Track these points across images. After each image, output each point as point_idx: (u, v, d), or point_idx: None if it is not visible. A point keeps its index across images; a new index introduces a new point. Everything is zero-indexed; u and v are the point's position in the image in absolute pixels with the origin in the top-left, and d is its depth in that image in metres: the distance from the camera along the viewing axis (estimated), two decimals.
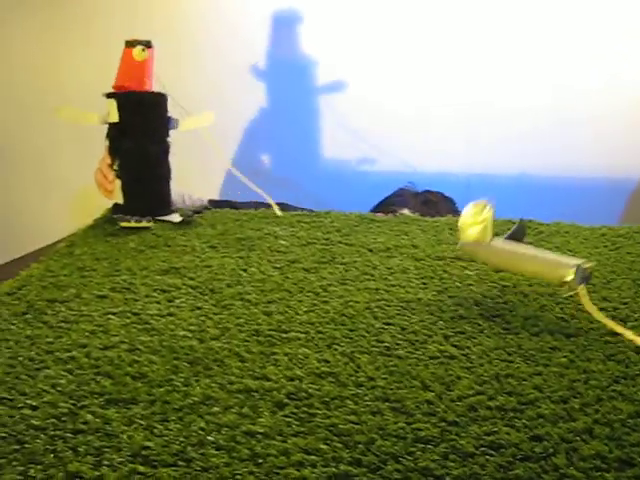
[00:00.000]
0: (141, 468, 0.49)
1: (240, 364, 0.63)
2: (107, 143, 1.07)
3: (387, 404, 0.57)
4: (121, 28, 1.93)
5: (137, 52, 1.05)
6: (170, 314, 0.74)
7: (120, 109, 1.03)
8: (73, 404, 0.57)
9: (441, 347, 0.67)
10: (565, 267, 0.69)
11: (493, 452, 0.51)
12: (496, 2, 1.92)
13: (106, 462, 0.50)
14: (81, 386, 0.60)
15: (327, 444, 0.52)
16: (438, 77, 1.98)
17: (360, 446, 0.52)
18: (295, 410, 0.56)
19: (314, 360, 0.64)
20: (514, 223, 0.82)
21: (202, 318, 0.73)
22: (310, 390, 0.59)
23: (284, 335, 0.69)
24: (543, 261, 0.72)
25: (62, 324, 0.72)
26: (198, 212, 1.09)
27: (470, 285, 0.82)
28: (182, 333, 0.69)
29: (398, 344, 0.67)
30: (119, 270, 0.87)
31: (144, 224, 1.02)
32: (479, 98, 1.96)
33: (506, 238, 0.77)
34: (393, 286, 0.82)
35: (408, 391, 0.59)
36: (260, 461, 0.50)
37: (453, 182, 1.83)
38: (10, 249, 1.71)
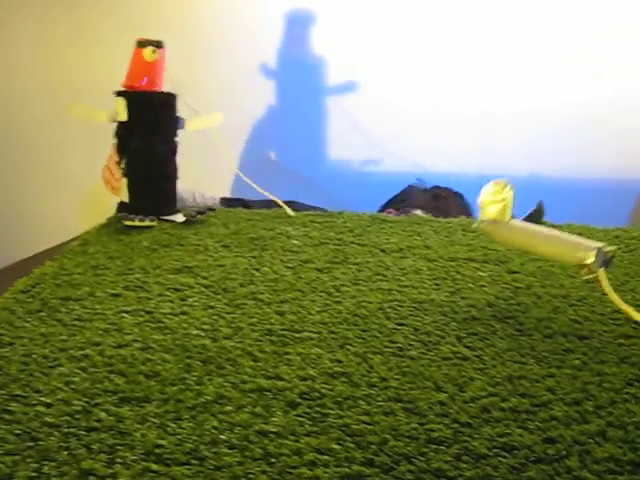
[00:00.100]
0: (154, 466, 0.49)
1: (253, 363, 0.63)
2: (115, 141, 1.07)
3: (400, 405, 0.57)
4: (133, 27, 1.93)
5: (148, 53, 1.05)
6: (183, 313, 0.74)
7: (129, 108, 1.04)
8: (87, 402, 0.57)
9: (454, 348, 0.66)
10: (585, 249, 0.68)
11: (506, 454, 0.51)
12: (508, 4, 1.92)
13: (119, 460, 0.50)
14: (95, 384, 0.60)
15: (340, 444, 0.52)
16: (448, 78, 1.97)
17: (373, 446, 0.52)
18: (308, 410, 0.56)
19: (327, 360, 0.64)
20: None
21: (215, 317, 0.73)
22: (323, 390, 0.59)
23: (297, 335, 0.69)
24: (563, 242, 0.71)
25: (76, 322, 0.72)
26: (202, 212, 1.09)
27: (483, 286, 0.82)
28: (195, 332, 0.69)
29: (411, 345, 0.67)
30: (132, 269, 0.87)
31: (147, 223, 1.03)
32: (489, 99, 1.96)
33: (524, 219, 0.77)
34: (406, 287, 0.81)
35: (421, 392, 0.59)
36: (273, 460, 0.50)
37: (463, 183, 1.83)
38: (23, 247, 1.72)
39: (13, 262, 1.67)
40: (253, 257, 0.91)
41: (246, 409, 0.56)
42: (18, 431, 0.53)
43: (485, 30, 1.93)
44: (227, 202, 1.26)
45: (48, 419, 0.55)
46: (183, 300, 0.78)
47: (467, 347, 0.67)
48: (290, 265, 0.88)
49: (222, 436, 0.53)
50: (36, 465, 0.50)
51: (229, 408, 0.56)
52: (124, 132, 1.06)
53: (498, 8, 1.92)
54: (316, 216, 1.09)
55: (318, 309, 0.75)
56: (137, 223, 1.02)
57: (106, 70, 1.88)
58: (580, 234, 1.03)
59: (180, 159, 1.09)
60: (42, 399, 0.58)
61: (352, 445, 0.52)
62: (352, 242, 0.97)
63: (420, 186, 1.79)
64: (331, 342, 0.68)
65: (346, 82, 2.04)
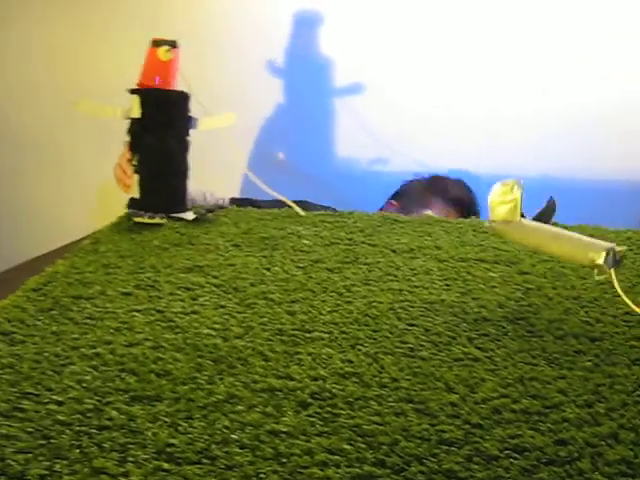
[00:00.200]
0: (166, 465, 0.50)
1: (264, 363, 0.63)
2: (128, 139, 1.07)
3: (411, 405, 0.57)
4: (143, 25, 1.94)
5: (162, 52, 1.05)
6: (194, 312, 0.74)
7: (143, 105, 1.04)
8: (98, 400, 0.57)
9: (465, 349, 0.66)
10: (596, 249, 0.68)
11: (517, 455, 0.51)
12: (516, 5, 1.91)
13: (131, 458, 0.50)
14: (106, 382, 0.60)
15: (351, 444, 0.52)
16: (455, 79, 1.97)
17: (384, 447, 0.52)
18: (319, 410, 0.56)
19: (338, 360, 0.64)
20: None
21: (226, 316, 0.73)
22: (334, 390, 0.59)
23: (308, 335, 0.69)
24: (574, 242, 0.71)
25: (87, 321, 0.72)
26: (211, 210, 1.09)
27: (494, 287, 0.82)
28: (206, 331, 0.70)
29: (422, 345, 0.67)
30: (143, 268, 0.87)
31: (157, 220, 1.03)
32: (496, 100, 1.95)
33: (535, 217, 0.76)
34: (416, 287, 0.81)
35: (432, 393, 0.59)
36: (284, 460, 0.50)
37: (471, 183, 1.84)
38: (34, 246, 1.73)
39: (24, 260, 1.68)
40: (264, 257, 0.91)
41: (257, 409, 0.56)
42: (30, 429, 0.54)
43: (492, 31, 1.93)
44: (236, 202, 1.26)
45: (60, 417, 0.55)
46: (194, 299, 0.78)
47: (478, 348, 0.67)
48: (301, 265, 0.88)
49: (233, 435, 0.53)
50: (48, 463, 0.50)
51: (240, 407, 0.56)
52: (137, 129, 1.06)
53: (506, 9, 1.92)
54: (327, 216, 1.09)
55: (329, 309, 0.75)
56: (146, 220, 1.02)
57: (113, 68, 1.89)
58: (592, 235, 1.03)
59: (190, 159, 1.09)
60: (54, 397, 0.58)
61: (363, 445, 0.52)
62: (363, 242, 0.97)
63: (418, 178, 1.82)
64: (342, 342, 0.68)
65: (354, 82, 2.04)
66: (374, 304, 0.76)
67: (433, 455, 0.51)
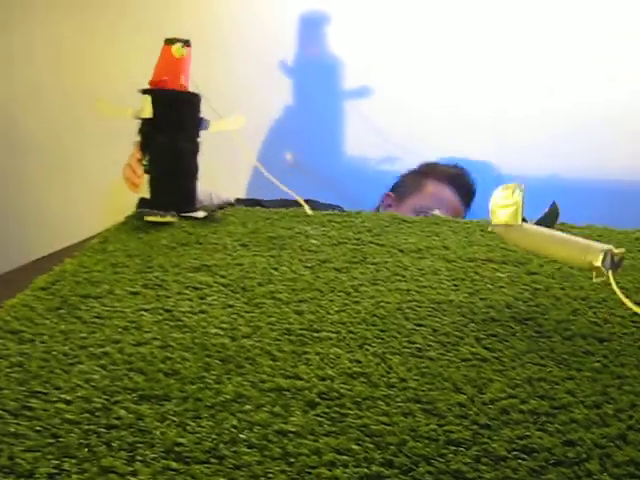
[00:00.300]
0: (174, 464, 0.50)
1: (272, 363, 0.63)
2: (138, 138, 1.08)
3: (419, 405, 0.57)
4: (149, 28, 1.94)
5: (176, 48, 1.06)
6: (202, 311, 0.74)
7: (155, 105, 1.04)
8: (106, 399, 0.57)
9: (473, 349, 0.66)
10: (594, 252, 0.68)
11: (525, 456, 0.51)
12: (523, 6, 1.91)
13: (139, 457, 0.50)
14: (114, 381, 0.60)
15: (359, 444, 0.52)
16: (463, 79, 1.97)
17: (392, 447, 0.51)
18: (327, 410, 0.56)
19: (346, 360, 0.64)
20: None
21: (234, 316, 0.73)
22: (342, 390, 0.59)
23: (315, 334, 0.69)
24: (573, 245, 0.71)
25: (95, 320, 0.72)
26: (221, 208, 1.09)
27: (502, 287, 0.82)
28: (214, 331, 0.70)
29: (430, 345, 0.67)
30: (151, 267, 0.87)
31: (168, 219, 1.03)
32: (504, 100, 1.95)
33: (537, 221, 0.77)
34: (424, 287, 0.81)
35: (440, 393, 0.59)
36: (292, 460, 0.50)
37: (480, 183, 1.84)
38: (43, 245, 1.73)
39: (33, 259, 1.68)
40: (272, 256, 0.91)
41: (265, 408, 0.56)
42: (39, 428, 0.54)
43: (500, 32, 1.92)
44: (242, 203, 1.26)
45: (68, 416, 0.55)
46: (202, 299, 0.78)
47: (486, 348, 0.67)
48: (309, 264, 0.88)
49: (241, 435, 0.53)
50: (56, 462, 0.50)
51: (248, 407, 0.56)
52: (148, 129, 1.06)
53: (513, 10, 1.91)
54: (335, 215, 1.09)
55: (337, 309, 0.75)
56: (158, 218, 1.03)
57: (119, 71, 1.89)
58: (601, 236, 1.04)
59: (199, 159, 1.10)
60: (62, 396, 0.58)
61: (371, 445, 0.52)
62: (371, 242, 0.97)
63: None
64: (350, 342, 0.68)
65: (363, 83, 2.04)
66: (382, 304, 0.76)
67: (441, 455, 0.51)
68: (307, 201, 1.13)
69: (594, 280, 0.68)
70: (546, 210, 0.78)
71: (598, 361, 0.64)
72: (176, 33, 1.10)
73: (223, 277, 0.84)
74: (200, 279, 0.83)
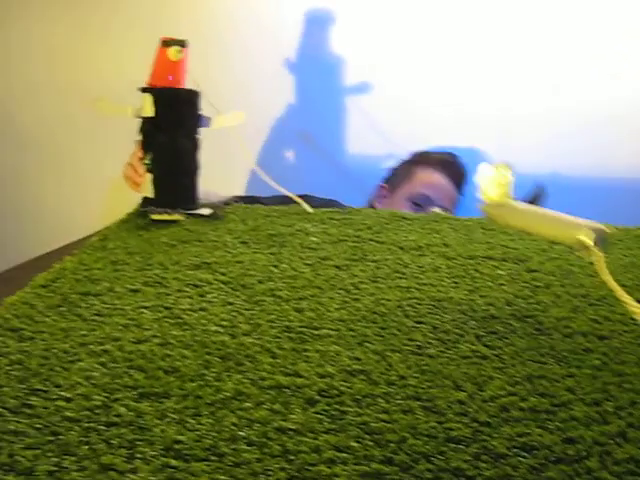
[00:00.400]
0: (174, 462, 0.50)
1: (271, 360, 0.63)
2: (139, 137, 1.08)
3: (418, 403, 0.57)
4: (144, 25, 1.93)
5: (173, 52, 1.06)
6: (202, 309, 0.74)
7: (155, 104, 1.04)
8: (106, 397, 0.57)
9: (473, 347, 0.66)
10: (582, 229, 0.68)
11: (525, 454, 0.51)
12: (526, 3, 1.91)
13: (139, 455, 0.50)
14: (114, 379, 0.60)
15: (358, 442, 0.52)
16: (468, 77, 1.96)
17: (392, 445, 0.51)
18: (326, 407, 0.56)
19: (345, 357, 0.64)
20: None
21: (234, 313, 0.73)
22: (341, 387, 0.59)
23: (315, 332, 0.69)
24: (561, 223, 0.71)
25: (96, 317, 0.72)
26: (227, 204, 1.09)
27: (502, 285, 0.82)
28: (214, 328, 0.70)
29: (430, 343, 0.67)
30: (151, 264, 0.87)
31: (175, 217, 1.04)
32: (507, 98, 1.95)
33: (524, 200, 0.77)
34: (424, 284, 0.81)
35: (440, 390, 0.59)
36: (291, 457, 0.50)
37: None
38: (43, 242, 1.73)
39: (33, 257, 1.68)
40: (271, 254, 0.91)
41: (265, 406, 0.56)
42: (39, 425, 0.54)
43: (503, 29, 1.92)
44: (241, 200, 1.26)
45: (68, 414, 0.55)
46: (202, 296, 0.78)
47: (486, 346, 0.67)
48: (309, 262, 0.88)
49: (241, 432, 0.53)
50: (56, 459, 0.50)
51: (248, 405, 0.56)
52: (149, 127, 1.06)
53: (517, 7, 1.91)
54: (334, 213, 1.09)
55: (337, 306, 0.75)
56: (165, 217, 1.03)
57: (113, 68, 1.89)
58: None
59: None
60: (62, 394, 0.58)
61: (371, 443, 0.52)
62: (371, 239, 0.96)
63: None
64: (350, 339, 0.68)
65: (364, 81, 2.04)
66: (382, 301, 0.76)
67: (441, 453, 0.51)
68: (304, 196, 1.13)
69: (579, 256, 0.68)
70: (532, 192, 0.78)
71: (598, 359, 0.64)
72: (171, 31, 1.10)
73: (223, 274, 0.84)
74: (200, 276, 0.83)
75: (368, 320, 0.72)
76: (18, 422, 0.54)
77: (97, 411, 0.56)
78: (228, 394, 0.58)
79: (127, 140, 1.11)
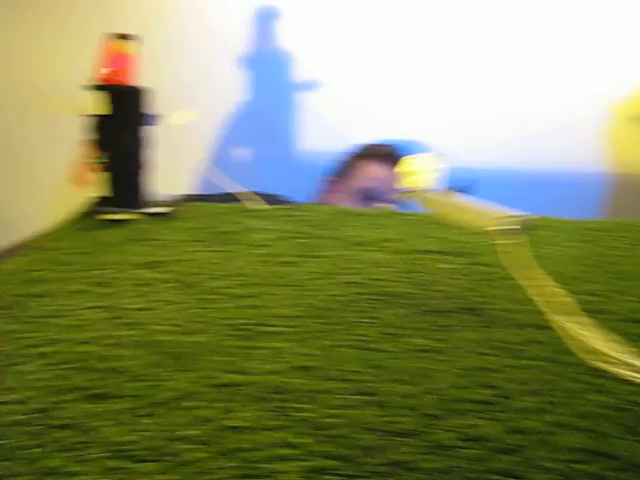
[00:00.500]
0: (119, 463, 0.49)
1: (219, 358, 0.63)
2: (90, 135, 1.06)
3: (366, 398, 0.57)
4: (98, 24, 1.91)
5: (123, 45, 1.05)
6: (150, 308, 0.74)
7: (108, 101, 1.03)
8: (51, 399, 0.57)
9: (421, 341, 0.67)
10: (497, 216, 0.71)
11: (472, 444, 0.51)
12: (472, 12, 1.94)
13: (84, 457, 0.50)
14: (59, 381, 0.59)
15: (305, 438, 0.52)
16: (413, 73, 1.98)
17: (338, 440, 0.52)
18: (275, 404, 0.56)
19: (293, 354, 0.64)
20: None
21: (182, 312, 0.73)
22: (289, 384, 0.59)
23: (263, 329, 0.69)
24: (478, 210, 0.74)
25: (40, 319, 0.71)
26: (179, 203, 1.09)
27: (453, 279, 0.82)
28: (161, 327, 0.69)
29: (379, 338, 0.68)
30: (99, 264, 0.86)
31: (130, 216, 1.03)
32: (453, 94, 1.97)
33: (452, 189, 0.79)
34: (374, 280, 0.82)
35: (387, 384, 0.59)
36: (239, 455, 0.50)
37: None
38: None
39: None
40: (220, 251, 0.91)
41: (213, 404, 0.56)
42: None
43: (447, 28, 1.94)
44: (189, 198, 1.25)
45: (13, 417, 0.54)
46: (149, 295, 0.77)
47: (435, 339, 0.67)
48: (257, 259, 0.88)
49: (189, 431, 0.53)
50: (0, 463, 0.49)
51: (196, 403, 0.56)
52: (100, 126, 1.05)
53: (460, 9, 1.94)
54: (283, 209, 1.09)
55: (285, 303, 0.75)
56: (120, 216, 1.02)
57: (67, 67, 1.86)
58: (552, 226, 1.06)
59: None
60: (6, 397, 0.57)
61: (318, 439, 0.52)
62: (321, 235, 0.97)
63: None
64: (297, 336, 0.68)
65: (315, 78, 2.04)
66: (331, 297, 0.76)
67: (388, 446, 0.51)
68: (253, 193, 1.13)
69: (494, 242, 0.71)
70: (458, 186, 0.80)
71: (545, 349, 0.65)
72: (121, 28, 1.09)
73: (171, 273, 0.83)
74: (148, 276, 0.83)
75: (316, 316, 0.72)
76: None
77: (42, 414, 0.55)
78: (175, 393, 0.57)
79: (80, 138, 1.10)
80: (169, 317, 0.72)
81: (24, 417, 0.54)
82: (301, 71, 2.05)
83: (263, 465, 0.49)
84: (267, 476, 0.48)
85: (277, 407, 0.56)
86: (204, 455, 0.50)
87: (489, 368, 0.62)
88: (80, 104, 1.05)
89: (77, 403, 0.56)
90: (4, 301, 0.76)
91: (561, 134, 1.94)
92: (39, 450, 0.51)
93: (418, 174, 0.78)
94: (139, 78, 1.08)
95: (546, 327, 0.70)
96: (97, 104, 1.03)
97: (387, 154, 1.81)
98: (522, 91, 1.94)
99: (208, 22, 2.03)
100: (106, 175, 1.05)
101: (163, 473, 0.48)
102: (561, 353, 0.65)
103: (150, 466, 0.49)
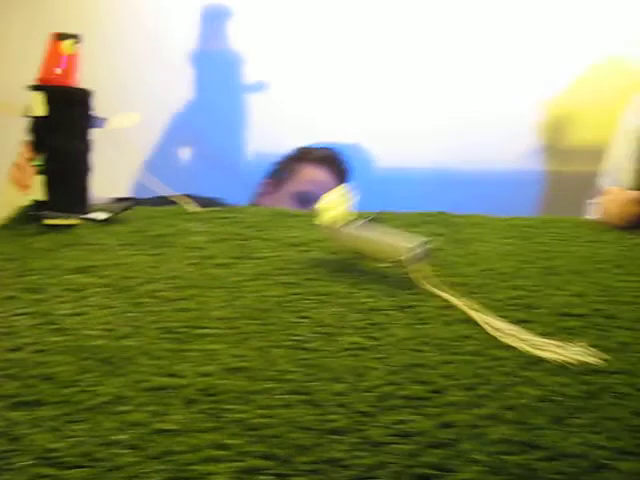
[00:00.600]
0: (47, 471, 0.48)
1: (151, 362, 0.62)
2: (29, 137, 1.04)
3: (299, 397, 0.57)
4: (36, 23, 1.88)
5: (67, 45, 1.03)
6: (80, 313, 0.72)
7: (47, 102, 1.01)
8: None
9: (354, 339, 0.67)
10: (401, 247, 0.79)
11: (402, 440, 0.52)
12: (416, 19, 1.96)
13: (11, 466, 0.49)
14: None
15: (237, 439, 0.52)
16: (355, 77, 1.99)
17: (270, 440, 0.52)
18: (206, 406, 0.56)
19: (227, 355, 0.64)
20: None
21: (113, 316, 0.72)
22: (222, 386, 0.59)
23: (197, 331, 0.68)
24: (385, 242, 0.81)
25: None
26: (126, 209, 1.07)
27: (384, 277, 0.83)
28: (92, 332, 0.68)
29: (312, 337, 0.68)
30: (29, 270, 0.85)
31: (71, 221, 1.01)
32: (397, 97, 1.99)
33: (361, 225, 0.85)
34: (308, 280, 0.82)
35: (320, 383, 0.59)
36: (169, 458, 0.49)
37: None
38: None
39: None
40: (155, 254, 0.90)
41: (143, 408, 0.55)
42: None
43: (393, 33, 1.96)
44: (122, 201, 1.24)
45: None
46: (81, 300, 0.76)
47: (367, 337, 0.68)
48: (192, 262, 0.87)
49: (118, 436, 0.52)
50: None
51: (126, 408, 0.55)
52: (40, 127, 1.03)
53: (404, 16, 1.96)
54: (219, 212, 1.08)
55: (219, 305, 0.75)
56: (60, 221, 1.00)
57: (11, 68, 1.83)
58: (481, 223, 1.07)
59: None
60: None
61: (250, 439, 0.52)
62: (255, 237, 0.97)
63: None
64: (231, 337, 0.67)
65: (259, 80, 2.03)
66: (265, 298, 0.76)
67: (319, 445, 0.51)
68: (189, 196, 1.12)
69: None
70: (370, 218, 0.85)
71: (475, 344, 0.66)
72: (63, 28, 1.07)
73: (104, 278, 0.82)
74: (80, 281, 0.81)
75: (250, 317, 0.72)
76: None
77: None
78: (105, 398, 0.57)
79: (19, 142, 1.07)
80: (101, 322, 0.71)
81: None
82: (250, 71, 2.05)
83: (195, 467, 0.48)
84: (199, 478, 0.48)
85: (209, 409, 0.56)
86: (134, 459, 0.49)
87: (422, 364, 0.62)
88: (16, 105, 1.03)
89: (3, 411, 0.55)
90: None
91: (496, 134, 1.98)
92: None
93: (332, 210, 0.83)
94: (81, 79, 1.07)
95: (475, 322, 0.71)
96: (33, 105, 1.01)
97: (324, 157, 1.82)
98: (459, 94, 1.97)
99: (144, 21, 2.01)
100: (42, 178, 1.03)
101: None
102: (494, 347, 0.66)
103: (79, 472, 0.48)
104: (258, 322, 0.71)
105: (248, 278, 0.82)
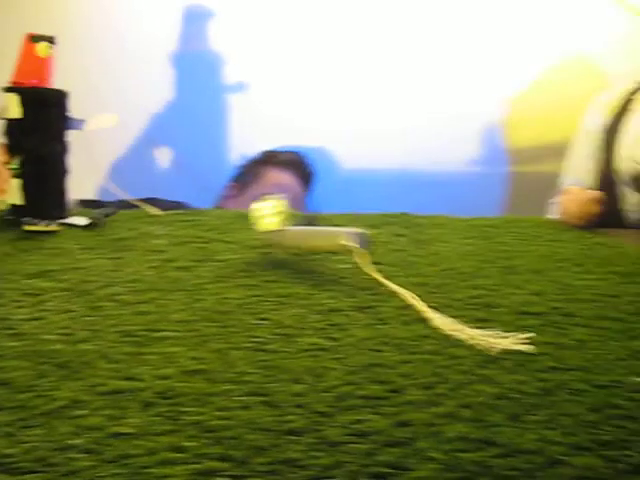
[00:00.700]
0: (1, 477, 0.48)
1: (109, 365, 0.62)
2: (4, 140, 1.03)
3: (257, 398, 0.57)
4: (15, 24, 1.86)
5: (41, 48, 1.01)
6: (38, 318, 0.72)
7: (22, 104, 1.00)
8: None
9: (313, 340, 0.67)
10: (343, 236, 0.81)
11: (359, 439, 0.52)
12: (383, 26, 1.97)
13: None
14: None
15: (194, 441, 0.51)
16: (325, 81, 2.00)
17: (228, 441, 0.51)
18: (164, 409, 0.56)
19: (185, 358, 0.63)
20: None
21: (72, 321, 0.71)
22: (180, 388, 0.58)
23: (156, 335, 0.68)
24: (327, 235, 0.85)
25: None
26: (109, 215, 1.06)
27: (343, 278, 0.83)
28: (50, 337, 0.67)
29: (271, 339, 0.68)
30: None
31: (53, 228, 0.99)
32: (365, 96, 2.00)
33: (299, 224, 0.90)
34: (268, 282, 0.82)
35: (279, 385, 0.59)
36: (126, 462, 0.49)
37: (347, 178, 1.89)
38: None
39: None
40: (115, 258, 0.89)
41: (100, 412, 0.55)
42: None
43: (363, 32, 1.97)
44: (84, 204, 1.23)
45: None
46: (39, 305, 0.75)
47: (326, 338, 0.68)
48: (152, 265, 0.87)
49: (74, 441, 0.51)
50: None
51: (82, 412, 0.55)
52: (16, 130, 1.01)
53: (373, 24, 1.97)
54: (181, 215, 1.08)
55: (178, 308, 0.74)
56: (41, 228, 0.98)
57: None
58: (443, 224, 1.08)
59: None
60: None
61: (207, 441, 0.51)
62: (216, 239, 0.96)
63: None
64: (190, 340, 0.67)
65: (239, 81, 2.03)
66: (225, 300, 0.76)
67: (277, 445, 0.51)
68: (151, 200, 1.11)
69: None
70: (304, 222, 0.89)
71: (433, 344, 0.67)
72: (43, 28, 1.06)
73: (63, 282, 0.82)
74: (38, 285, 0.81)
75: (210, 320, 0.71)
76: None
77: None
78: (62, 403, 0.56)
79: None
80: (59, 326, 0.70)
81: None
82: (230, 72, 2.04)
83: (151, 470, 0.48)
84: None
85: (166, 412, 0.55)
86: (90, 463, 0.49)
87: (381, 364, 0.63)
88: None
89: None
90: None
91: (460, 134, 1.99)
92: None
93: (268, 217, 0.86)
94: (57, 80, 1.06)
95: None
96: (8, 107, 1.00)
97: (289, 161, 1.82)
98: (423, 95, 1.98)
99: (115, 24, 2.00)
100: (19, 182, 1.02)
101: None
102: (451, 346, 0.66)
103: (33, 477, 0.48)
104: (218, 324, 0.70)
105: (208, 281, 0.82)
